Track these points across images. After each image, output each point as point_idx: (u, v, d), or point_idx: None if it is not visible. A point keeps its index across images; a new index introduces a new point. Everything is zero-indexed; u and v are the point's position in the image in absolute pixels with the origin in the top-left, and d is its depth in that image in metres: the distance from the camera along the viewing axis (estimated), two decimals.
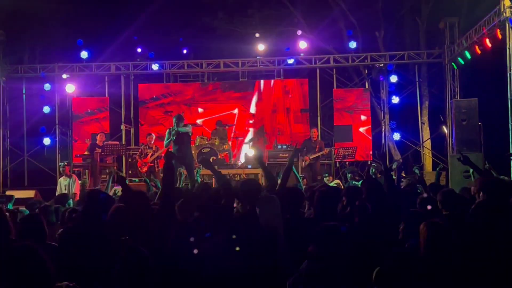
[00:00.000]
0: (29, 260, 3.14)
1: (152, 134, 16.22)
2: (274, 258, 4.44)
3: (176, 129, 12.85)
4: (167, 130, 13.33)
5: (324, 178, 14.35)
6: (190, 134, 13.47)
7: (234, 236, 4.19)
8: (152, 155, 15.27)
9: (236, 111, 18.82)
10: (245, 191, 5.37)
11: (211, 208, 5.00)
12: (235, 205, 5.69)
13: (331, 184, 11.79)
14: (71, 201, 8.56)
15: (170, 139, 12.94)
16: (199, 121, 18.31)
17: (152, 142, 15.58)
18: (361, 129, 18.11)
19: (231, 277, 4.11)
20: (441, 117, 18.19)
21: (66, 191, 12.91)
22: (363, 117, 18.17)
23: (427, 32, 19.06)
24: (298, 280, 3.87)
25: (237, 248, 4.13)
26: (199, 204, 5.22)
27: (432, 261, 3.80)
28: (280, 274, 4.31)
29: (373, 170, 14.17)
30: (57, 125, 18.69)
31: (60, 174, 14.03)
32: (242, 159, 17.00)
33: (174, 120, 13.20)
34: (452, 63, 16.89)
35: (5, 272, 3.16)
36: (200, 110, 18.92)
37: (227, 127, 17.13)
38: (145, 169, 15.08)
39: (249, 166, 15.39)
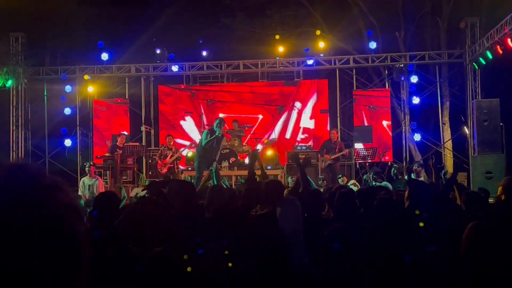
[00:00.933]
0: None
1: (171, 135, 16.28)
2: (286, 259, 4.41)
3: (218, 131, 12.40)
4: (208, 130, 12.93)
5: (339, 179, 14.23)
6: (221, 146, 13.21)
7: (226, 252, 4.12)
8: (171, 156, 15.33)
9: (260, 116, 18.78)
10: (270, 192, 5.30)
11: (223, 210, 5.01)
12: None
13: (348, 185, 11.74)
14: (82, 201, 8.65)
15: (211, 138, 12.43)
16: (221, 115, 18.26)
17: (172, 144, 15.63)
18: (384, 123, 17.95)
19: (241, 278, 4.10)
20: (462, 117, 18.02)
21: (88, 191, 13.06)
22: (383, 117, 18.02)
23: (448, 32, 18.89)
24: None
25: (230, 264, 4.04)
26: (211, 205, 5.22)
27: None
28: (296, 276, 4.29)
29: (394, 171, 14.08)
30: (78, 127, 18.82)
31: (82, 174, 14.14)
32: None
33: (216, 122, 12.62)
34: (473, 63, 16.72)
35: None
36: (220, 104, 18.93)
37: (246, 127, 17.10)
38: (165, 170, 15.15)
39: (269, 167, 15.35)
